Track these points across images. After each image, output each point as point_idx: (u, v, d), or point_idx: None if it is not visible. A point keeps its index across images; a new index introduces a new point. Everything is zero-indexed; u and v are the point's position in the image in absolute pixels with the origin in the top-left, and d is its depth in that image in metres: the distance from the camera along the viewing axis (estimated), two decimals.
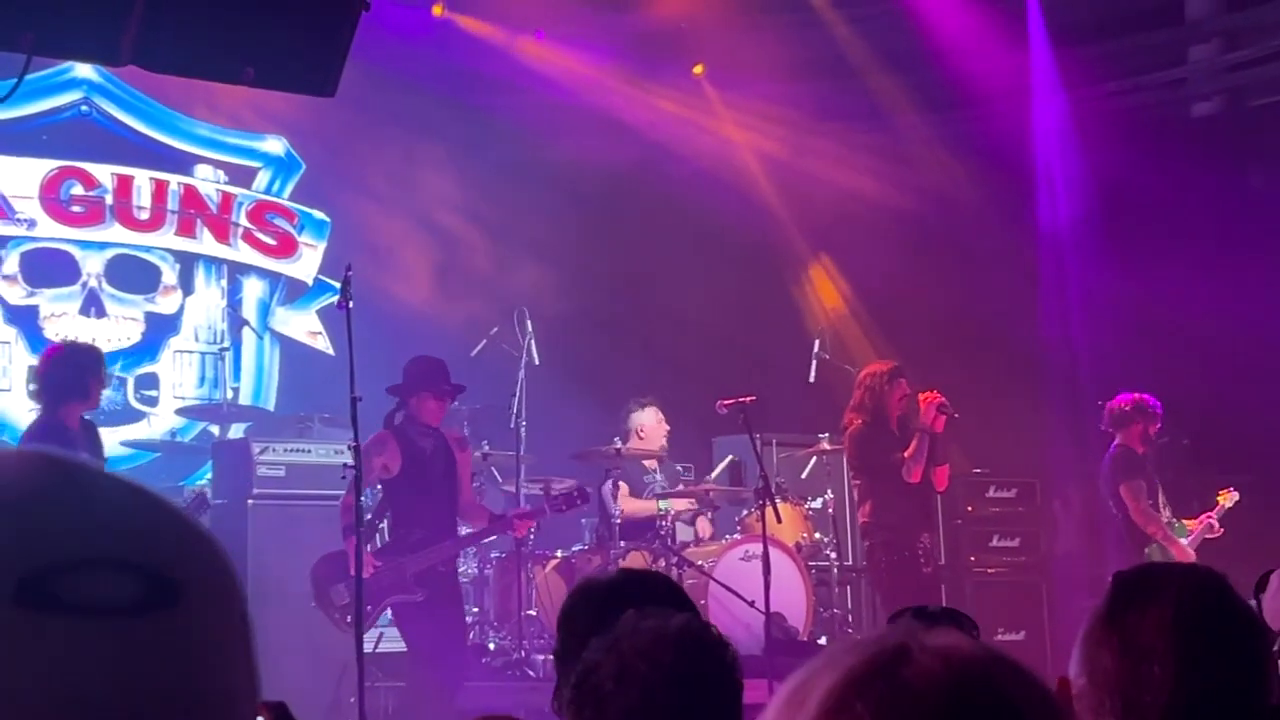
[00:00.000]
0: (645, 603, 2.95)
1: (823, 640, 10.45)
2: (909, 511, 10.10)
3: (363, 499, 8.31)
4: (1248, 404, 11.26)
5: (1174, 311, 12.42)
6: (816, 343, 11.54)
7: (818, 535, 11.19)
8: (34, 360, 11.21)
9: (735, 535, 10.88)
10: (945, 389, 12.82)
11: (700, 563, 10.29)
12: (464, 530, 9.83)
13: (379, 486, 9.43)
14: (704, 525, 11.16)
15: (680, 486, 11.40)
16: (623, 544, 10.46)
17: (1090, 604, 2.20)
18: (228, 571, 0.98)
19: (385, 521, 9.39)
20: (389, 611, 9.72)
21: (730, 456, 11.83)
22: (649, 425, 11.23)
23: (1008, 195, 13.74)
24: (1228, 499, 10.44)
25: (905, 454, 9.96)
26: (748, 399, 10.24)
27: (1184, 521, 10.50)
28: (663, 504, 10.81)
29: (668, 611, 2.62)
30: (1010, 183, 13.78)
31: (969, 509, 12.47)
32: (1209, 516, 10.46)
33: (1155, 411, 10.36)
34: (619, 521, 10.50)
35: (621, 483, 10.74)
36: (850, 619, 11.40)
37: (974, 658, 1.14)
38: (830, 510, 11.37)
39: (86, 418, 8.93)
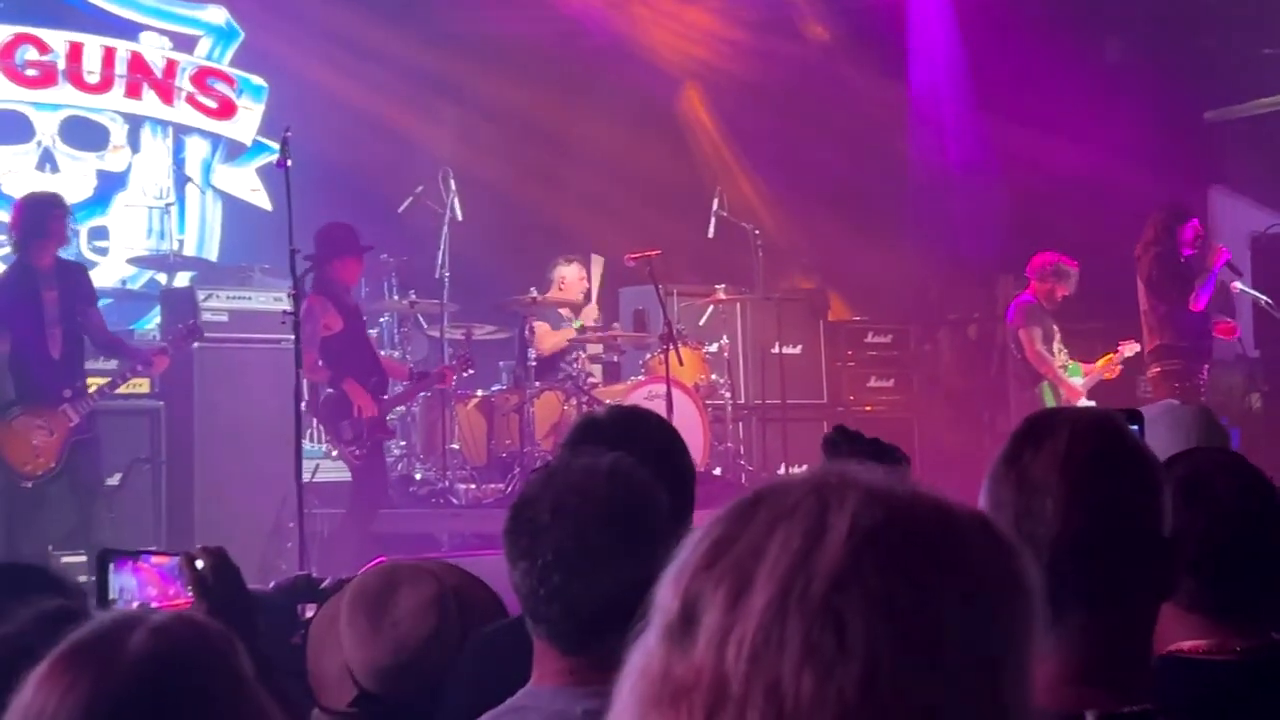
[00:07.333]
0: (642, 441, 2.90)
1: (717, 471, 10.47)
2: (1195, 343, 9.96)
3: None
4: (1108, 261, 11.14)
5: (1038, 169, 12.40)
6: (715, 200, 11.42)
7: (714, 377, 11.20)
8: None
9: (640, 377, 10.87)
10: (826, 243, 12.81)
11: (608, 402, 10.25)
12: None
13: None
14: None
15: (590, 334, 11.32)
16: (538, 384, 10.40)
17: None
18: None
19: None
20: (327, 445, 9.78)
21: (635, 306, 11.76)
22: (570, 279, 11.09)
23: (881, 56, 13.63)
24: (1129, 348, 10.53)
25: (1197, 283, 9.82)
26: (653, 253, 10.22)
27: (1080, 364, 10.63)
28: (576, 323, 10.81)
29: (600, 450, 2.51)
30: (883, 44, 13.68)
31: (849, 353, 12.50)
32: (1107, 362, 10.61)
33: (1069, 274, 10.48)
34: (534, 364, 10.43)
35: (539, 322, 10.64)
36: (742, 451, 11.41)
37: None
38: (725, 354, 11.36)
39: (66, 259, 8.89)
